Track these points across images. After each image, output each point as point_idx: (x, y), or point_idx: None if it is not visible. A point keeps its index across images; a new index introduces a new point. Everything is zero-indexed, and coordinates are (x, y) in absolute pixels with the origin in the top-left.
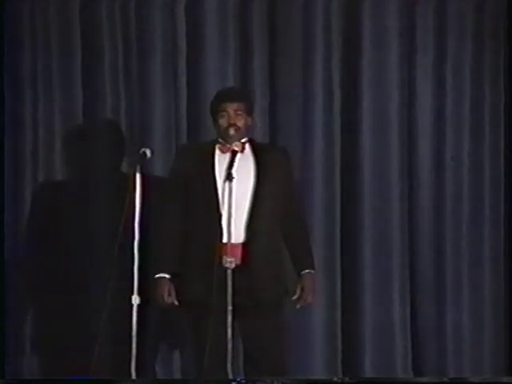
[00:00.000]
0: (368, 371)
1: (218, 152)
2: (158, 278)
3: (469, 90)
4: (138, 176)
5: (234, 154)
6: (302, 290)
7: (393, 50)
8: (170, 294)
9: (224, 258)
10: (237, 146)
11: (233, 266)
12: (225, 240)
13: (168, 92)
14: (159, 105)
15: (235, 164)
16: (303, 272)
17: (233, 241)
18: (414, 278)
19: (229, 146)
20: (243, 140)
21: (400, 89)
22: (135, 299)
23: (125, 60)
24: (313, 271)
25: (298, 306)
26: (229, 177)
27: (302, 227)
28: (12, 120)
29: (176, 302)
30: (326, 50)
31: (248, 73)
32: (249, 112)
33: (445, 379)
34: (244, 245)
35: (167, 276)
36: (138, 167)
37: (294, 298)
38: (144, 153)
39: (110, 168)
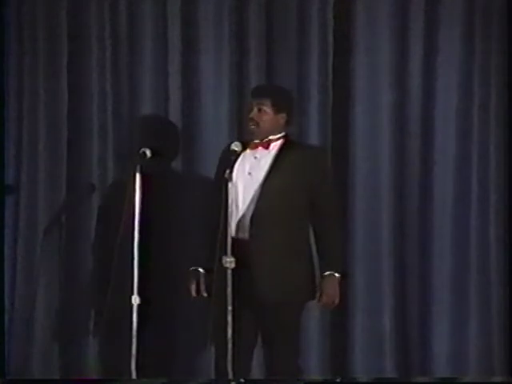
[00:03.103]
0: (358, 371)
1: (248, 149)
2: (192, 270)
3: (459, 89)
4: (137, 176)
5: (232, 154)
6: (321, 293)
7: (385, 51)
8: (200, 287)
9: (224, 258)
10: (236, 145)
11: (232, 265)
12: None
13: (161, 92)
14: (151, 105)
15: (236, 164)
16: (324, 274)
17: (240, 237)
18: (403, 278)
19: (256, 141)
20: (271, 137)
21: (392, 88)
22: (135, 299)
23: (115, 59)
24: (336, 274)
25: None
26: (227, 176)
27: (330, 227)
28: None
29: (205, 294)
30: (321, 51)
31: (244, 72)
32: (279, 109)
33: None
34: (246, 242)
35: (200, 270)
36: (138, 167)
37: (315, 301)
38: (144, 153)
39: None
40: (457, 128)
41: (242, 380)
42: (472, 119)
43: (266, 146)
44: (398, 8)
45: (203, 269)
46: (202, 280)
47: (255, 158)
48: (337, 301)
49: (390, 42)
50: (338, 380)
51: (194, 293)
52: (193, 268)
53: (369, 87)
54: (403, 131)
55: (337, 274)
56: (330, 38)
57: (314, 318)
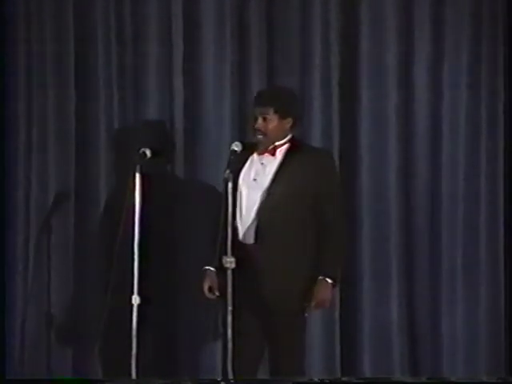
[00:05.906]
0: (366, 371)
1: (255, 153)
2: (206, 269)
3: (466, 88)
4: (137, 176)
5: (232, 154)
6: (311, 296)
7: (391, 49)
8: (213, 286)
9: (224, 258)
10: (237, 145)
11: (233, 265)
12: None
13: (163, 92)
14: (154, 105)
15: (243, 169)
16: (318, 278)
17: (246, 242)
18: (411, 279)
19: (263, 148)
20: (277, 143)
21: (398, 88)
22: (135, 299)
23: (119, 59)
24: (328, 279)
25: (305, 314)
26: (227, 176)
27: (330, 231)
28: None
29: (217, 293)
30: (324, 50)
31: (246, 72)
32: (284, 115)
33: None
34: (252, 246)
35: (213, 269)
36: (138, 167)
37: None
38: (144, 153)
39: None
40: (465, 128)
41: (232, 380)
42: (480, 119)
43: (273, 153)
44: (404, 6)
45: (216, 268)
46: (214, 279)
47: (261, 164)
48: (327, 305)
49: (395, 41)
50: (326, 381)
51: (206, 292)
52: (206, 268)
53: (374, 87)
54: (410, 131)
55: (329, 280)
56: (334, 38)
57: (320, 317)
